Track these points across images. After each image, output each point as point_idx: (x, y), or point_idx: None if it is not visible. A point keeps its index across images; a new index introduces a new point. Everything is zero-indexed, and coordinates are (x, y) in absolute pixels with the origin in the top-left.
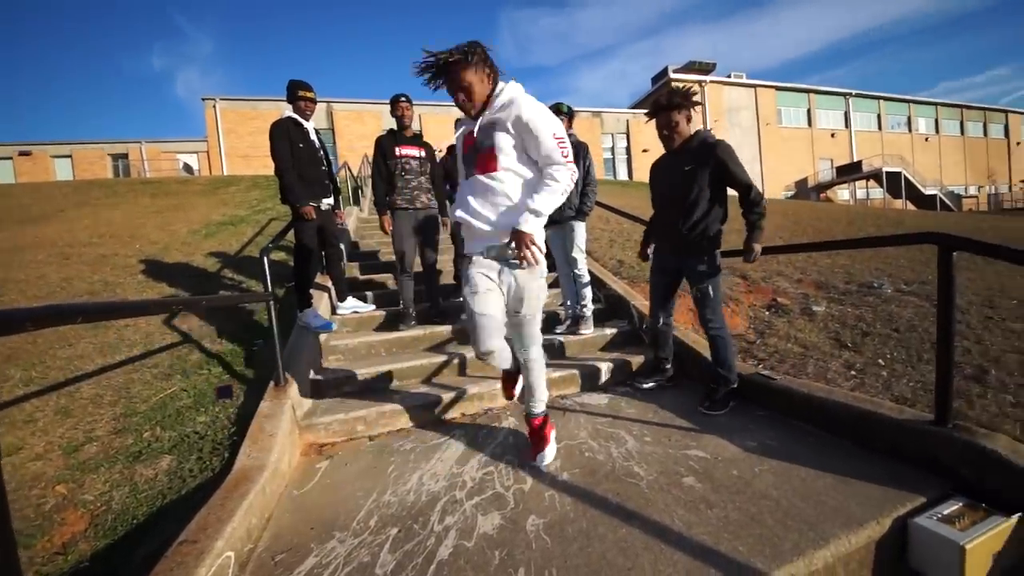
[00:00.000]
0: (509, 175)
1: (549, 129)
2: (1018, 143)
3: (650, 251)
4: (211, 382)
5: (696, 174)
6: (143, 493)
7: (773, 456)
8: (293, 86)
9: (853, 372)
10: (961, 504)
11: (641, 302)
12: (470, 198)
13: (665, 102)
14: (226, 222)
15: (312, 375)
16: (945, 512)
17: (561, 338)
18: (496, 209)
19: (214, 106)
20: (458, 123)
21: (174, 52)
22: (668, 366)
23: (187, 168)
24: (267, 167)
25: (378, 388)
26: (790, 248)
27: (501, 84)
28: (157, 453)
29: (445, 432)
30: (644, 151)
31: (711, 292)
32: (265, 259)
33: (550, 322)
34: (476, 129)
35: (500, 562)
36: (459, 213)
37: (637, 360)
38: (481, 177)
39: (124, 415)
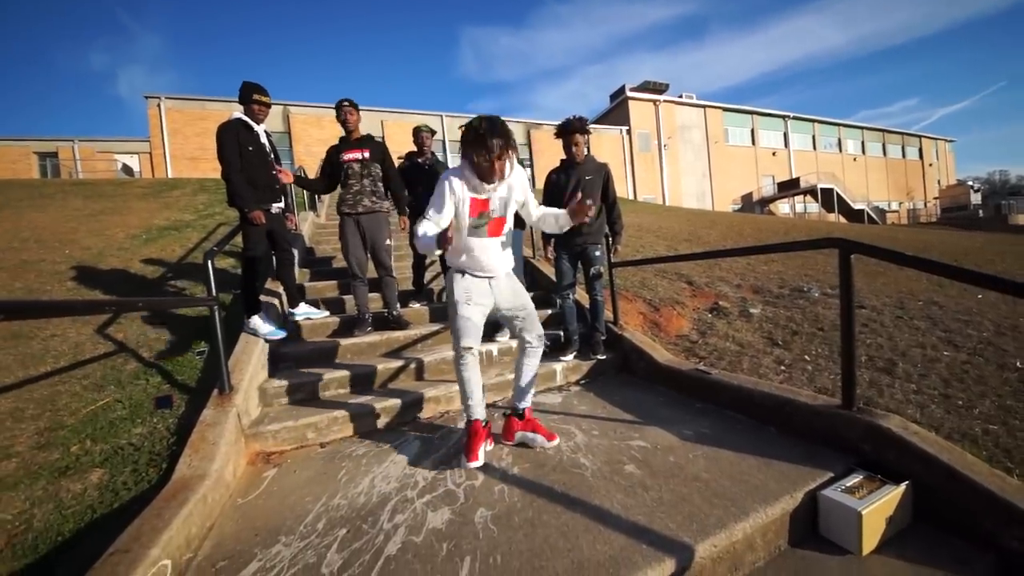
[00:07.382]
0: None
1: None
2: (930, 165)
3: (551, 252)
4: (149, 392)
5: (595, 183)
6: (69, 509)
7: (706, 443)
8: (248, 88)
9: (783, 367)
10: (861, 477)
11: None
12: (487, 256)
13: (578, 127)
14: (169, 227)
15: (260, 382)
16: (848, 484)
17: (514, 342)
18: (506, 257)
19: (159, 105)
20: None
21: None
22: (576, 337)
23: (126, 169)
24: (216, 170)
25: (330, 394)
26: (686, 257)
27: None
28: (86, 467)
29: (400, 436)
30: None
31: (602, 270)
32: (209, 263)
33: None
34: (493, 199)
35: (447, 553)
36: (487, 266)
37: (587, 364)
38: (492, 239)
39: (49, 429)
